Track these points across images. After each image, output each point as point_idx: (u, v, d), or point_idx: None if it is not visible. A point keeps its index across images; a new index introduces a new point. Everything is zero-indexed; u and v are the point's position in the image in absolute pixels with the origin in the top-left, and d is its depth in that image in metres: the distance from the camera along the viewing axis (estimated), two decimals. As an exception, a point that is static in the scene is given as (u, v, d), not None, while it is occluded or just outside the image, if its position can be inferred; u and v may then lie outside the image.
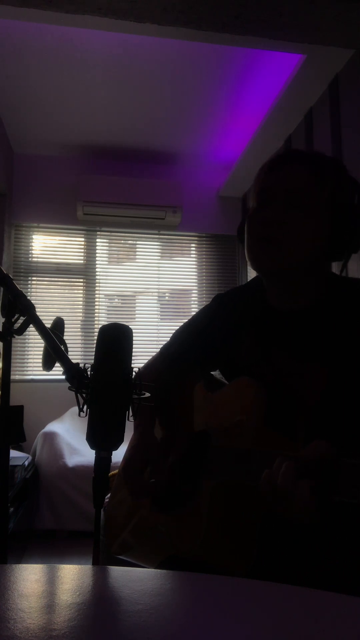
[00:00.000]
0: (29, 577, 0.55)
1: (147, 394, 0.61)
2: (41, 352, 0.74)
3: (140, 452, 0.89)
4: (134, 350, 0.62)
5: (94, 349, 0.61)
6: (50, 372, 0.74)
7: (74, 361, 0.63)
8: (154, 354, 1.12)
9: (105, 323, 0.77)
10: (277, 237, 0.83)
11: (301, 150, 0.91)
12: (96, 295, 3.77)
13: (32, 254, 3.72)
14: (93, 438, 0.59)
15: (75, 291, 3.76)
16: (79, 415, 0.58)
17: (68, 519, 2.76)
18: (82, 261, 3.79)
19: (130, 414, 0.60)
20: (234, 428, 0.82)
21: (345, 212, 0.84)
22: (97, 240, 3.85)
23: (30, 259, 3.71)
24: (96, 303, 3.76)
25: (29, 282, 3.68)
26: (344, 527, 0.80)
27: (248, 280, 1.23)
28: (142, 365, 1.13)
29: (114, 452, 0.59)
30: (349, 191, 0.86)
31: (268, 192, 0.86)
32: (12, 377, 0.76)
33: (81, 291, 3.76)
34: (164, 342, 1.10)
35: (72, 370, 0.62)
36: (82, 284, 3.76)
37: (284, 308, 0.91)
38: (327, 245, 0.85)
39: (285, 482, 0.63)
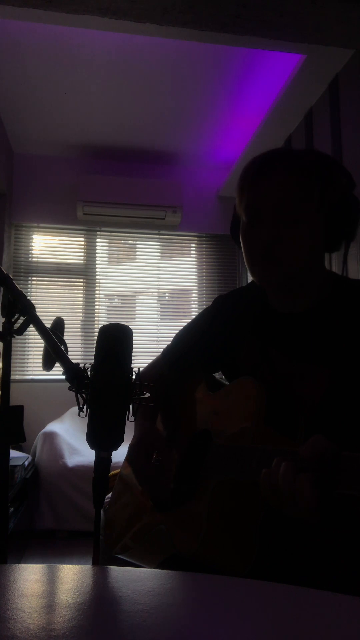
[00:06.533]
0: (29, 577, 0.55)
1: (147, 394, 0.61)
2: (41, 352, 0.74)
3: (145, 438, 0.93)
4: (134, 350, 0.62)
5: (94, 349, 0.62)
6: (50, 372, 0.74)
7: (74, 361, 0.63)
8: (154, 354, 1.13)
9: (105, 323, 0.77)
10: (276, 255, 0.83)
11: (281, 152, 0.87)
12: (96, 295, 3.77)
13: (32, 254, 3.72)
14: (93, 438, 0.59)
15: (75, 291, 3.76)
16: (79, 415, 0.58)
17: (68, 519, 2.76)
18: (82, 261, 3.79)
19: (130, 414, 0.60)
20: (238, 434, 0.82)
21: (338, 206, 0.83)
22: (97, 240, 3.84)
23: (30, 259, 3.71)
24: (96, 303, 3.76)
25: (29, 282, 3.68)
26: (344, 526, 0.80)
27: (248, 280, 1.23)
28: (142, 365, 1.13)
29: (114, 452, 0.60)
30: (337, 182, 0.84)
31: (256, 208, 0.84)
32: (12, 377, 0.76)
33: (81, 291, 3.76)
34: (164, 342, 1.11)
35: (72, 370, 0.62)
36: (82, 284, 3.76)
37: (284, 310, 0.92)
38: (325, 241, 0.85)
39: (285, 483, 0.63)
